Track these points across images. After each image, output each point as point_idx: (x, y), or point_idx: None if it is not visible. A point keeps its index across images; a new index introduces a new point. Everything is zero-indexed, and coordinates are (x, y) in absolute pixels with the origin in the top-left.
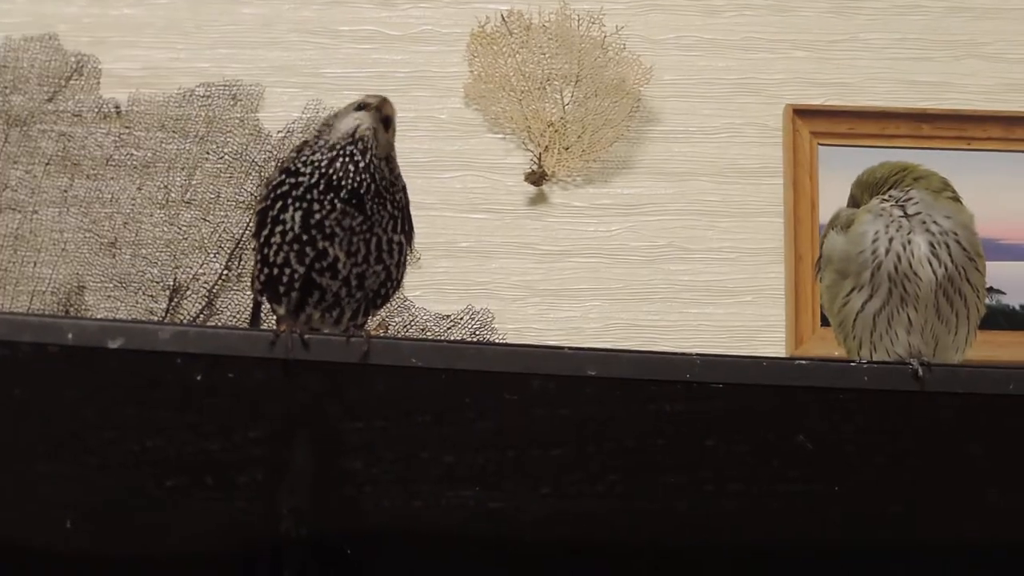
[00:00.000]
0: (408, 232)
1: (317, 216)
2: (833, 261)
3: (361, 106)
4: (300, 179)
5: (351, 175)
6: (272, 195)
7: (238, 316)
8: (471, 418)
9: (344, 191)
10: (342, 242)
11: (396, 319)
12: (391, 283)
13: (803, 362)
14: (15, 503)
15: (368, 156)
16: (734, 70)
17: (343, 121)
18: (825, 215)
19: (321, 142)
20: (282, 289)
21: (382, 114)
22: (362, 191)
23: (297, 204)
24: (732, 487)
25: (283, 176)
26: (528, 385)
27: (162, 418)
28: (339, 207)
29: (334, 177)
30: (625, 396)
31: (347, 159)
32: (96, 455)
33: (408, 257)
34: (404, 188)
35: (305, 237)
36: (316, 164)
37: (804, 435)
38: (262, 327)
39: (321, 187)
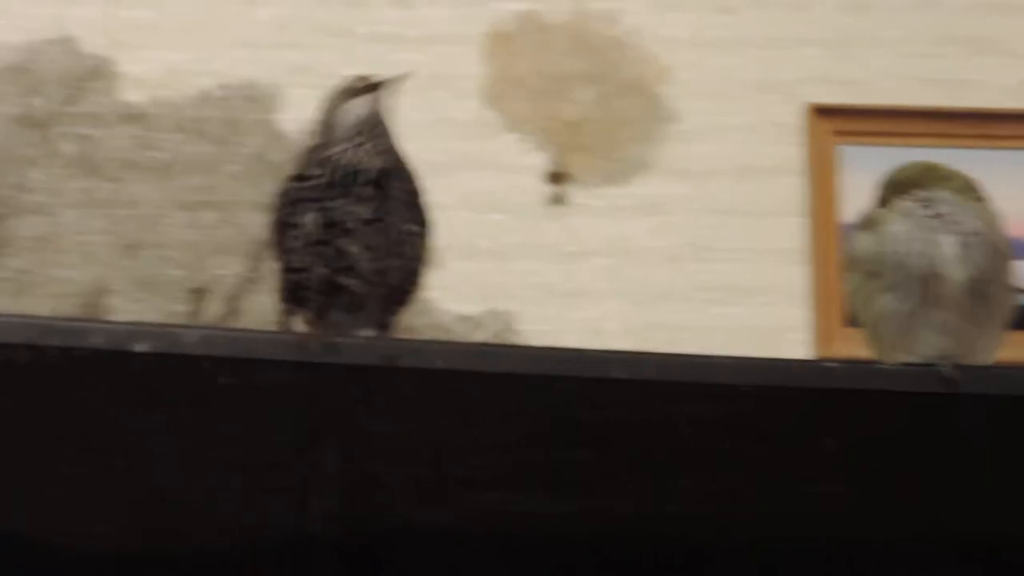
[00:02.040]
0: (423, 223)
1: (334, 214)
2: (861, 262)
3: (365, 88)
4: (312, 181)
5: (372, 156)
6: (285, 201)
7: (261, 317)
8: (497, 421)
9: (363, 176)
10: (360, 237)
11: (418, 321)
12: (412, 279)
13: (831, 364)
14: (43, 506)
15: (385, 134)
16: (752, 68)
17: (350, 108)
18: (846, 214)
19: (335, 134)
20: (306, 294)
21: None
22: (380, 172)
23: (314, 205)
24: (758, 490)
25: (293, 182)
26: (553, 387)
27: (189, 421)
28: (359, 194)
29: (353, 163)
30: (650, 398)
31: (369, 142)
32: (123, 458)
33: (426, 251)
34: (413, 176)
35: (324, 237)
36: (334, 160)
37: (832, 438)
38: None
39: (341, 180)
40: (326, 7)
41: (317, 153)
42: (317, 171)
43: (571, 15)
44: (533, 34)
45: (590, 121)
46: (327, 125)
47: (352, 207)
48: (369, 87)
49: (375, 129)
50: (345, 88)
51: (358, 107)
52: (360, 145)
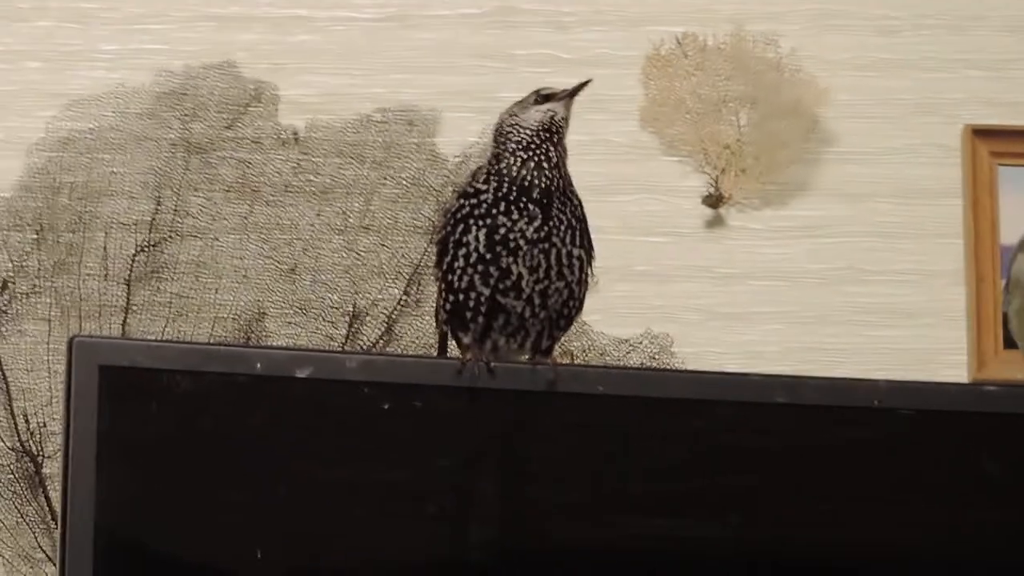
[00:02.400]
0: (587, 248)
1: (501, 231)
2: (1021, 284)
3: (546, 97)
4: (482, 197)
5: (545, 171)
6: (452, 220)
7: (417, 342)
8: (657, 446)
9: (536, 190)
10: (525, 257)
11: (574, 343)
12: (573, 302)
13: (991, 388)
14: (204, 534)
15: (560, 149)
16: (911, 90)
17: (528, 117)
18: (1005, 236)
19: (509, 147)
20: (468, 315)
21: (572, 96)
22: (552, 188)
23: (480, 223)
24: (920, 515)
25: (462, 200)
26: (715, 412)
27: (349, 447)
28: (529, 210)
29: (527, 178)
30: (812, 422)
31: (541, 155)
32: (284, 484)
33: (589, 275)
34: (580, 202)
35: (489, 256)
36: (504, 173)
37: (992, 461)
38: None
39: (512, 195)
40: (484, 31)
41: (488, 167)
42: (485, 186)
43: (730, 37)
44: (692, 57)
45: (748, 143)
46: (499, 139)
47: (519, 224)
48: (547, 98)
49: (546, 144)
50: (522, 99)
51: (530, 120)
52: (530, 159)
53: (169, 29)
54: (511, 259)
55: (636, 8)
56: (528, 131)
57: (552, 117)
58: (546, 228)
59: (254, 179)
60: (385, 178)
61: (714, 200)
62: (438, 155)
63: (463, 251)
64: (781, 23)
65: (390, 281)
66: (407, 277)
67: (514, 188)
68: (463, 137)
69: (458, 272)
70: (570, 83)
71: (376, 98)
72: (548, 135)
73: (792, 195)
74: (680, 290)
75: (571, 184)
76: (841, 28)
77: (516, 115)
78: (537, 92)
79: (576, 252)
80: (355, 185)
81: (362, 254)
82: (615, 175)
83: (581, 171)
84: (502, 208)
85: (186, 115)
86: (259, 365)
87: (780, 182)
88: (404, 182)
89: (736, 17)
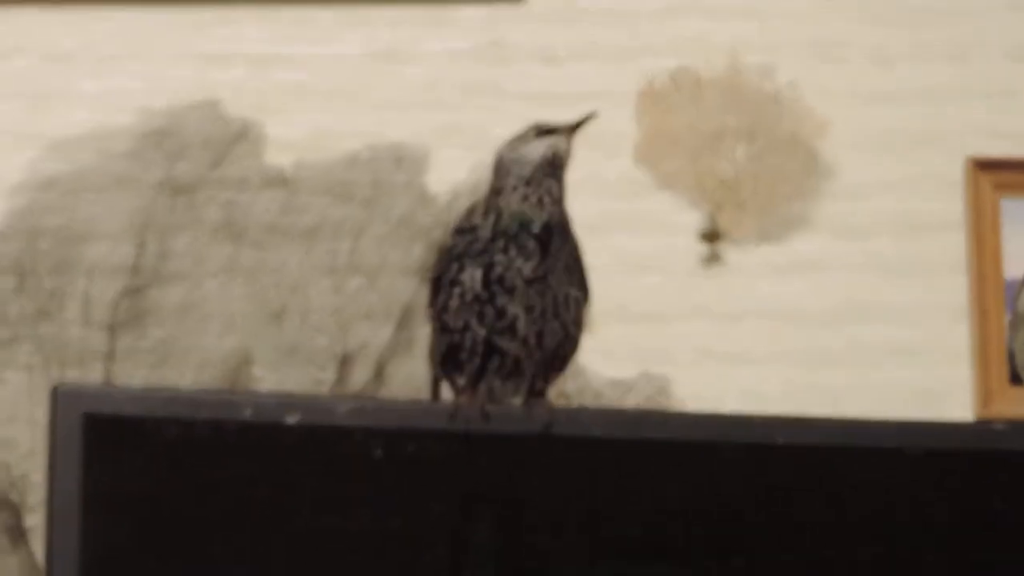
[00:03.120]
0: (584, 288)
1: (498, 270)
2: None
3: (547, 131)
4: (478, 233)
5: (546, 207)
6: (447, 258)
7: (408, 385)
8: (656, 489)
9: (536, 226)
10: (521, 297)
11: (569, 384)
12: (569, 343)
13: (999, 426)
14: None
15: (561, 185)
16: (912, 121)
17: (530, 151)
18: (1010, 270)
19: (509, 181)
20: (463, 356)
21: (574, 130)
22: (552, 225)
23: (476, 260)
24: (926, 559)
25: (456, 237)
26: (715, 455)
27: (340, 494)
28: (528, 246)
29: (527, 214)
30: (815, 465)
31: (543, 191)
32: (274, 534)
33: (585, 316)
34: (576, 243)
35: (485, 295)
36: (502, 208)
37: (1001, 502)
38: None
39: (511, 231)
40: (474, 66)
41: (486, 202)
42: (482, 221)
43: (725, 70)
44: (686, 90)
45: (745, 178)
46: (498, 173)
47: (516, 262)
48: (548, 132)
49: (547, 179)
50: (522, 134)
51: (531, 154)
52: (532, 195)
53: (151, 68)
54: (508, 298)
55: (629, 42)
56: (530, 165)
57: (555, 151)
58: (544, 267)
59: (240, 220)
60: (373, 217)
61: (711, 236)
62: (427, 194)
63: (458, 290)
64: (777, 54)
65: (380, 323)
66: (397, 318)
67: (513, 224)
68: (453, 175)
69: (453, 312)
70: (563, 118)
71: (364, 136)
72: (551, 169)
73: (791, 230)
74: (677, 330)
75: (568, 220)
76: (839, 58)
77: (517, 149)
78: (537, 126)
79: (573, 293)
80: (343, 225)
81: (351, 296)
82: (609, 212)
83: (574, 209)
84: (499, 245)
85: (170, 155)
86: (247, 412)
87: (778, 217)
88: (393, 221)
89: (731, 49)
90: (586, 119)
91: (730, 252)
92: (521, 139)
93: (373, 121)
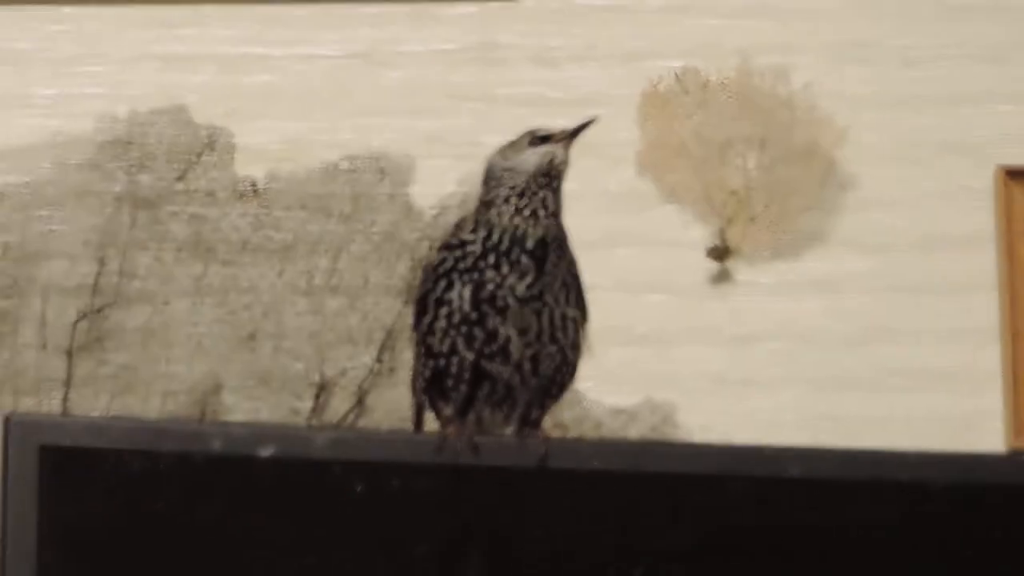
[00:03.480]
0: (582, 308)
1: (489, 288)
2: None
3: (543, 139)
4: (468, 249)
5: (541, 220)
6: (433, 275)
7: (391, 414)
8: (660, 526)
9: (531, 241)
10: (514, 318)
11: (566, 413)
12: (566, 368)
13: None
14: None
15: (558, 197)
16: (938, 128)
17: (524, 160)
18: None
19: (502, 193)
20: (450, 383)
21: (572, 137)
22: (548, 240)
23: (465, 278)
24: None
25: (444, 253)
26: (725, 489)
27: (318, 533)
28: (522, 263)
29: (520, 227)
30: (833, 500)
31: (538, 203)
32: (247, 574)
33: (583, 338)
34: (574, 260)
35: (474, 316)
36: (493, 222)
37: None
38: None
39: (503, 246)
40: (462, 68)
41: (476, 216)
42: (472, 236)
43: (735, 72)
44: (693, 94)
45: (758, 189)
46: (489, 184)
47: (509, 279)
48: (543, 139)
49: (542, 190)
50: (515, 141)
51: (525, 163)
52: (525, 207)
53: (112, 71)
54: (499, 319)
55: (631, 41)
56: (524, 175)
57: (551, 160)
58: (539, 285)
59: (208, 236)
60: (354, 233)
61: (720, 253)
62: (413, 207)
63: (445, 310)
64: (793, 55)
65: (361, 348)
66: (380, 343)
67: (505, 238)
68: (440, 187)
69: (439, 334)
70: (559, 125)
71: (343, 145)
72: (547, 180)
73: (807, 246)
74: (683, 354)
75: (565, 235)
76: (860, 60)
77: (509, 158)
78: (531, 133)
79: (571, 312)
80: (321, 241)
81: (329, 318)
82: (609, 227)
83: (571, 223)
84: (491, 261)
85: (132, 166)
86: (217, 444)
87: (794, 232)
88: (375, 237)
89: (742, 49)
90: (585, 125)
91: (740, 270)
92: (514, 147)
93: (353, 128)
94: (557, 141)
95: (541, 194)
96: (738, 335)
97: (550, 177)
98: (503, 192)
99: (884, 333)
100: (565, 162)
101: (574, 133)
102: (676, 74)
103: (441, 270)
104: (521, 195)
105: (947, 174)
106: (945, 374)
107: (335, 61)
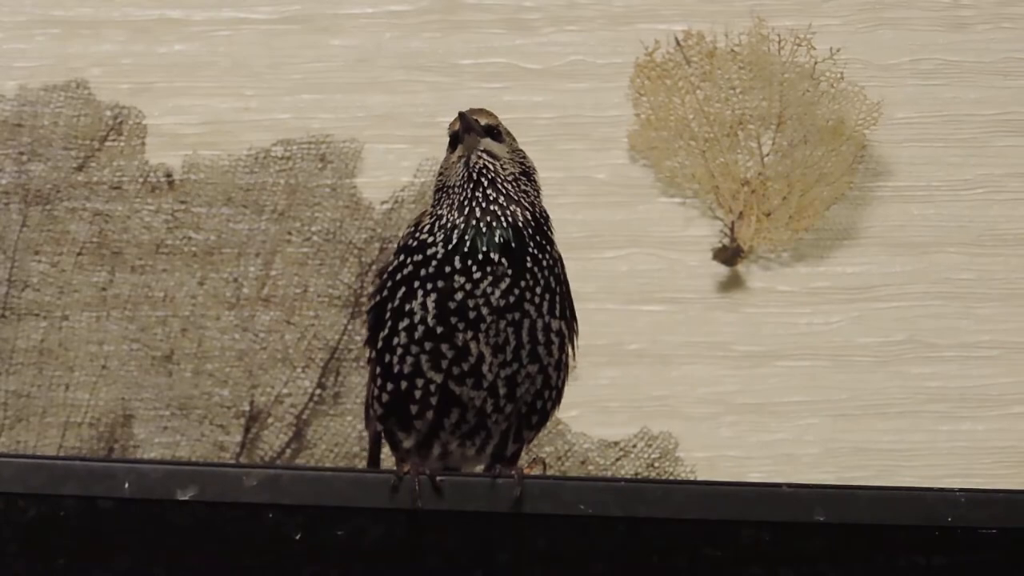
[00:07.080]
0: (569, 319)
1: (458, 297)
2: None
3: (453, 137)
4: (429, 252)
5: (507, 218)
6: (389, 283)
7: (336, 450)
8: None
9: (497, 240)
10: (488, 332)
11: (547, 448)
12: (549, 392)
13: None
14: None
15: (499, 186)
16: (988, 103)
17: (451, 174)
18: None
19: (460, 187)
20: (413, 410)
21: (468, 132)
22: (525, 235)
23: (429, 285)
24: None
25: (402, 256)
26: (735, 536)
27: None
28: (494, 263)
29: (485, 227)
30: (865, 547)
31: (503, 199)
32: None
33: (570, 355)
34: (559, 258)
35: (440, 330)
36: (455, 220)
37: None
38: (380, 468)
39: (466, 247)
40: (419, 34)
41: (433, 212)
42: (431, 237)
43: (747, 37)
44: (697, 63)
45: (774, 178)
46: (447, 175)
47: (482, 285)
48: (453, 139)
49: (514, 181)
50: (473, 127)
51: (461, 152)
52: (491, 201)
53: None
54: (469, 334)
55: (622, 1)
56: (456, 189)
57: (465, 162)
58: (517, 291)
59: (115, 238)
60: (290, 233)
61: (729, 254)
62: (360, 200)
63: (405, 323)
64: (816, 16)
65: (299, 370)
66: (322, 364)
67: (468, 236)
68: (393, 176)
69: (399, 352)
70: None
71: (276, 127)
72: (473, 183)
73: (834, 246)
74: (686, 375)
75: (548, 230)
76: (896, 21)
77: (442, 172)
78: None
79: (555, 325)
80: (250, 243)
81: (261, 335)
82: (598, 223)
83: (554, 217)
84: (457, 265)
85: (22, 153)
86: (127, 485)
87: (817, 229)
88: (316, 237)
89: (756, 9)
90: (469, 121)
91: (754, 274)
92: (472, 133)
93: (288, 107)
94: (462, 140)
95: (499, 187)
96: (751, 353)
97: (474, 179)
98: (461, 186)
99: (925, 349)
100: (479, 155)
101: (467, 126)
102: (676, 39)
103: (399, 276)
104: (478, 191)
105: (999, 158)
106: (997, 397)
107: (267, 27)
